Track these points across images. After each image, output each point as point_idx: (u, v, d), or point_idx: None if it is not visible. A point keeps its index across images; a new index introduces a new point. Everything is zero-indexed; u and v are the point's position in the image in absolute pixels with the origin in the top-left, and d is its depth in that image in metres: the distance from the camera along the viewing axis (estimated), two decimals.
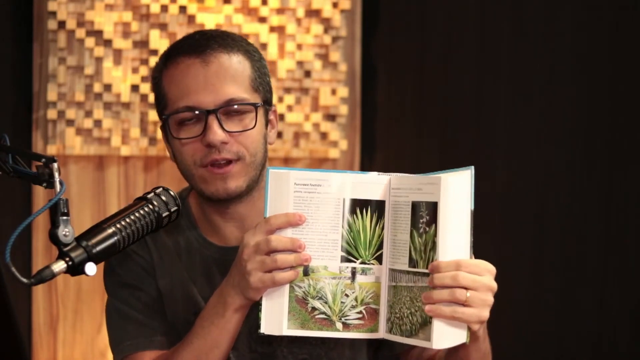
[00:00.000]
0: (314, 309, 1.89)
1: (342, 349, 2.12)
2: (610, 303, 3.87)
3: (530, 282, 3.86)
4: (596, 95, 3.88)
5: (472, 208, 1.85)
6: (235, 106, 2.07)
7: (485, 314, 1.83)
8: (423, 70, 3.86)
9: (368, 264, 1.90)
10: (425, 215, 1.85)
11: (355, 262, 1.90)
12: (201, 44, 2.10)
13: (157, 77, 2.14)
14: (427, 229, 1.85)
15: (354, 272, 1.90)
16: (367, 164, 3.83)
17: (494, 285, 1.84)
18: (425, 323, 1.83)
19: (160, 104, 2.13)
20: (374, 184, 1.92)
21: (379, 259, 1.91)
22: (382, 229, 1.91)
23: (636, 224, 3.88)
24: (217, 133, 2.05)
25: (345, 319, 1.89)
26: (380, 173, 1.93)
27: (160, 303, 2.16)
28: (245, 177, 2.09)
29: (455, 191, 1.84)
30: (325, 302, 1.89)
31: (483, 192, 3.80)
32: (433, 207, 1.84)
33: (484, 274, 1.83)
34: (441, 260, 1.82)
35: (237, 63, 2.10)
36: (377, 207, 1.91)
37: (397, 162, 3.85)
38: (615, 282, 3.87)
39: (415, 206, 1.87)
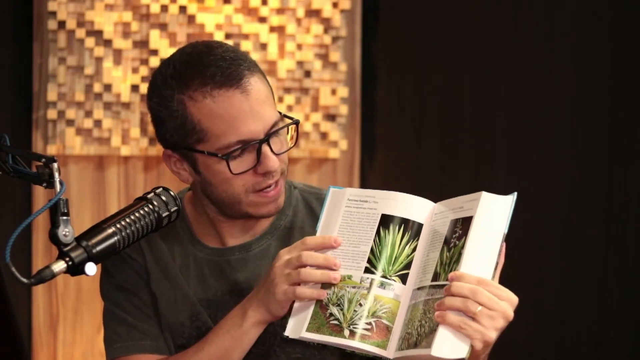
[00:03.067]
0: (331, 314, 1.91)
1: (334, 350, 2.11)
2: (610, 303, 3.87)
3: (530, 282, 3.86)
4: (596, 95, 3.88)
5: (506, 232, 1.86)
6: (282, 128, 2.06)
7: (491, 335, 1.81)
8: (423, 70, 3.86)
9: (389, 279, 1.91)
10: (458, 230, 1.87)
11: (375, 274, 1.91)
12: (232, 72, 2.04)
13: (179, 109, 2.05)
14: (457, 242, 1.86)
15: (372, 284, 1.91)
16: (367, 164, 3.83)
17: (510, 314, 1.83)
18: (432, 332, 1.83)
19: (191, 136, 2.06)
20: (417, 206, 1.94)
21: (403, 278, 1.91)
22: (413, 250, 1.92)
23: (636, 224, 3.88)
24: (275, 160, 2.05)
25: (354, 327, 1.89)
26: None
27: (154, 307, 2.17)
28: (284, 187, 2.12)
29: (493, 209, 1.86)
30: (341, 310, 1.91)
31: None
32: (468, 222, 1.86)
33: (504, 299, 1.83)
34: (464, 272, 1.83)
35: (261, 83, 2.07)
36: (413, 228, 1.93)
37: (397, 162, 3.85)
38: (615, 282, 3.87)
39: (452, 223, 1.89)
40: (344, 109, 3.77)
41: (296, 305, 1.94)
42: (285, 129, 2.09)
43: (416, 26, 3.86)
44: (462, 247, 1.85)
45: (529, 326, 3.85)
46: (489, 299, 1.81)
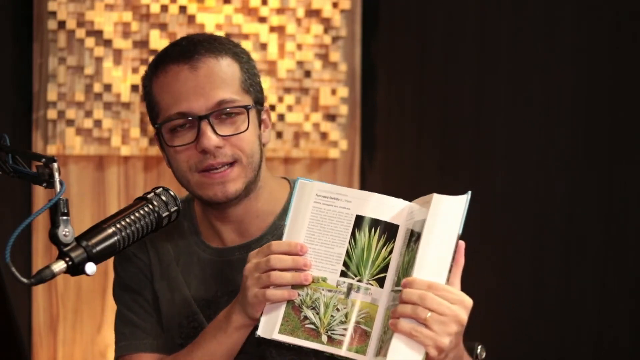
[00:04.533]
0: (305, 317, 1.90)
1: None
2: (610, 303, 3.87)
3: (530, 282, 3.86)
4: (596, 95, 3.88)
5: (460, 232, 1.84)
6: (227, 109, 2.08)
7: (444, 340, 1.79)
8: (423, 70, 3.86)
9: (366, 283, 1.90)
10: (416, 234, 1.85)
11: (352, 278, 1.90)
12: (188, 49, 2.10)
13: (148, 86, 2.14)
14: (414, 246, 1.85)
15: (349, 288, 1.90)
16: (367, 164, 3.83)
17: (463, 317, 1.81)
18: (390, 339, 1.82)
19: (153, 113, 2.14)
20: (392, 208, 1.92)
21: (380, 282, 1.89)
22: (390, 252, 1.90)
23: (636, 224, 3.88)
24: (211, 138, 2.05)
25: (332, 333, 1.88)
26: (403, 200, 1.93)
27: (156, 306, 2.18)
28: (243, 179, 2.10)
29: (445, 211, 1.84)
30: (317, 313, 1.89)
31: (483, 192, 3.81)
32: (423, 224, 1.84)
33: (456, 303, 1.81)
34: (416, 277, 1.81)
35: (225, 66, 2.10)
36: (388, 230, 1.91)
37: (397, 162, 3.84)
38: (615, 282, 3.87)
39: (414, 226, 1.87)
40: (344, 109, 3.77)
41: (268, 304, 1.92)
42: (244, 117, 2.09)
43: (416, 26, 3.86)
44: (416, 251, 1.83)
45: (529, 326, 3.85)
46: (439, 304, 1.79)
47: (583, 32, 3.87)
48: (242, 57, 2.13)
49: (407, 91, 3.86)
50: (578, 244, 3.87)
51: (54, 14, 3.65)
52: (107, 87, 3.68)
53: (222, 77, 2.08)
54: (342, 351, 1.87)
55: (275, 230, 2.17)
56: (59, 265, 1.76)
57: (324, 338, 1.88)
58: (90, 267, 1.78)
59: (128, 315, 2.18)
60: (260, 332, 1.91)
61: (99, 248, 1.80)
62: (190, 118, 2.07)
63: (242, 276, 2.14)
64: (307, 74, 3.76)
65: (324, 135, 3.77)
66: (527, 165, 3.87)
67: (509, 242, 3.85)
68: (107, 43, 3.68)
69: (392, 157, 3.85)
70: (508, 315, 3.80)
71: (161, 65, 2.11)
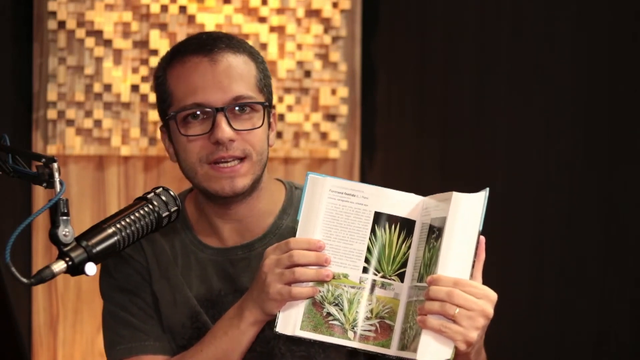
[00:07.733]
0: (328, 314, 1.91)
1: (340, 347, 2.12)
2: (610, 303, 3.87)
3: (530, 282, 3.86)
4: (596, 95, 3.88)
5: (481, 229, 1.86)
6: (244, 104, 2.09)
7: (472, 335, 1.83)
8: (423, 70, 3.86)
9: (389, 279, 1.92)
10: (436, 231, 1.88)
11: (376, 275, 1.92)
12: (208, 43, 2.12)
13: (161, 77, 2.15)
14: (435, 243, 1.87)
15: (373, 285, 1.92)
16: (367, 164, 3.83)
17: (489, 311, 1.85)
18: (418, 335, 1.85)
19: (165, 103, 2.14)
20: (407, 203, 1.94)
21: (401, 277, 1.92)
22: (409, 247, 1.93)
23: (636, 224, 3.88)
24: (225, 130, 2.07)
25: (357, 329, 1.90)
26: (416, 195, 1.95)
27: (155, 308, 2.17)
28: (252, 175, 2.11)
29: (465, 208, 1.86)
30: (341, 310, 1.91)
31: None
32: (443, 222, 1.86)
33: (481, 298, 1.85)
34: (441, 275, 1.84)
35: (243, 63, 2.12)
36: (406, 226, 1.94)
37: (397, 162, 3.84)
38: (615, 282, 3.87)
39: (432, 222, 1.89)
40: (344, 109, 3.77)
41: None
42: (260, 114, 2.11)
43: (416, 26, 3.86)
44: (439, 249, 1.86)
45: (529, 326, 3.85)
46: (466, 299, 1.83)
47: (583, 32, 3.87)
48: (257, 58, 2.17)
49: (407, 91, 3.86)
50: (578, 244, 3.87)
51: (54, 14, 3.65)
52: (107, 87, 3.68)
53: (240, 73, 2.11)
54: (369, 346, 1.90)
55: (277, 229, 2.17)
56: (59, 265, 1.76)
57: (351, 334, 1.91)
58: (90, 267, 1.78)
59: (125, 317, 2.16)
60: (279, 329, 1.93)
61: (99, 248, 1.80)
62: (207, 109, 2.07)
63: (246, 275, 2.14)
64: (307, 74, 3.76)
65: (324, 135, 3.78)
66: (527, 165, 3.87)
67: (509, 242, 3.85)
68: (107, 43, 3.68)
69: (392, 157, 3.85)
70: (508, 315, 3.79)
71: (179, 56, 2.12)
